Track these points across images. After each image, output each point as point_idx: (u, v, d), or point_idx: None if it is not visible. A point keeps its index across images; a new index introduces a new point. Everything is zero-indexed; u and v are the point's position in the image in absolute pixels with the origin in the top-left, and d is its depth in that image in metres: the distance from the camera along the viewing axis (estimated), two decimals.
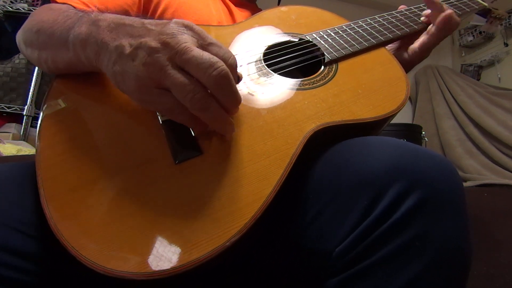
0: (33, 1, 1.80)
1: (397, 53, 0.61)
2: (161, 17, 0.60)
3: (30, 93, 1.67)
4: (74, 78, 0.44)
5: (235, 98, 0.35)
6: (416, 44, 0.59)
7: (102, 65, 0.37)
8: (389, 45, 0.64)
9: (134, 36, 0.35)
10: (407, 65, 0.60)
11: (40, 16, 0.47)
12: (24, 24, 0.48)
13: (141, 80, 0.33)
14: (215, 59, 0.32)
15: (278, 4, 0.67)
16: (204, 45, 0.34)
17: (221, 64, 0.32)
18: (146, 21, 0.36)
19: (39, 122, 0.40)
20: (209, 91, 0.33)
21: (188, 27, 0.35)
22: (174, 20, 0.36)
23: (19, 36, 0.49)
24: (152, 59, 0.33)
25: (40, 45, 0.44)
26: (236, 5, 0.70)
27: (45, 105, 0.42)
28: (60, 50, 0.41)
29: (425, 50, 0.59)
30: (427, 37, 0.58)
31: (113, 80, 0.36)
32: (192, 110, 0.33)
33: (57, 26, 0.42)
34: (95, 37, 0.37)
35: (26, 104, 1.66)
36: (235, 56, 0.36)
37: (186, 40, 0.33)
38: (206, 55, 0.32)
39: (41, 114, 0.41)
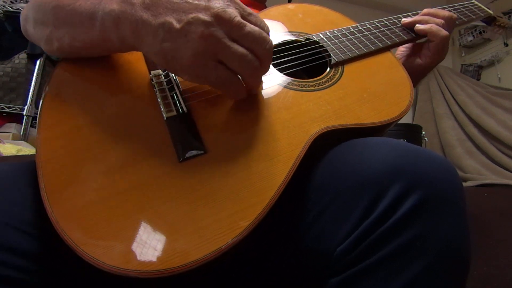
0: None
1: (410, 60, 0.62)
2: None
3: (30, 93, 1.67)
4: (77, 66, 0.43)
5: (271, 62, 0.40)
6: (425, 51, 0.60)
7: (145, 44, 0.36)
8: (401, 51, 0.64)
9: (179, 12, 0.35)
10: (422, 69, 0.60)
11: None
12: (34, 0, 0.45)
13: (198, 53, 0.34)
14: (264, 33, 0.37)
15: (290, 1, 0.66)
16: (245, 15, 0.37)
17: (270, 38, 0.37)
18: None
19: (39, 111, 0.39)
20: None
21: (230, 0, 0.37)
22: None
23: (27, 12, 0.46)
24: (210, 32, 0.34)
25: (56, 22, 0.42)
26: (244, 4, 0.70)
27: (45, 94, 0.40)
28: (82, 28, 0.40)
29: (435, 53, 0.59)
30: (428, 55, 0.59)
31: (161, 58, 0.36)
32: (250, 76, 0.38)
33: (80, 2, 0.40)
34: (132, 15, 0.36)
35: (26, 104, 1.66)
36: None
37: (236, 14, 0.36)
38: (257, 30, 0.36)
39: (41, 103, 0.39)
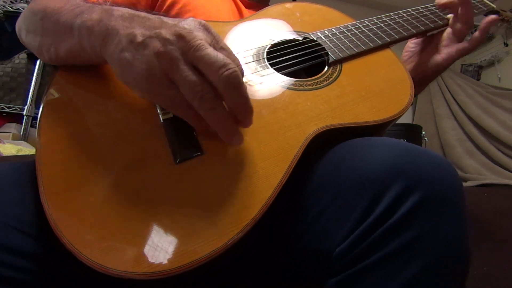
0: None
1: (426, 54, 0.61)
2: (167, 12, 0.59)
3: (30, 93, 1.68)
4: (76, 72, 0.44)
5: (245, 103, 0.34)
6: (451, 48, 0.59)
7: (108, 51, 0.36)
8: (411, 47, 0.63)
9: (148, 27, 0.34)
10: (439, 68, 0.60)
11: (45, 1, 0.45)
12: (27, 9, 0.47)
13: (151, 69, 0.33)
14: (228, 60, 0.32)
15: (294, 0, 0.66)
16: (216, 48, 0.34)
17: (234, 66, 0.32)
18: (163, 17, 0.36)
19: (39, 116, 0.39)
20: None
21: (204, 26, 0.35)
22: (191, 18, 0.36)
23: (20, 22, 0.48)
24: (165, 49, 0.32)
25: (43, 32, 0.43)
26: (246, 6, 0.70)
27: (45, 99, 0.41)
28: (63, 37, 0.40)
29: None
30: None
31: (118, 67, 0.35)
32: (199, 109, 0.33)
33: (64, 13, 0.41)
34: (105, 24, 0.36)
35: (26, 104, 1.66)
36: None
37: (201, 37, 0.33)
38: (220, 55, 0.32)
39: (41, 108, 0.40)
